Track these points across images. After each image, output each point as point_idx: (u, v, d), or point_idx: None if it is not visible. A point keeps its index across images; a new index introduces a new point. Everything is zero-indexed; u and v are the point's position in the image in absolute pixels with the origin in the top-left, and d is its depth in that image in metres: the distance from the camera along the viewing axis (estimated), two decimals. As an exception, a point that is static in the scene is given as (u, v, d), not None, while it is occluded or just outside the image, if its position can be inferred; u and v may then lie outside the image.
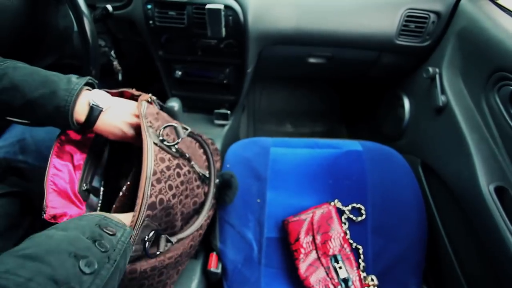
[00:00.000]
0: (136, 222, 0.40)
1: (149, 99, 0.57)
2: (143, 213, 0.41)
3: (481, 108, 0.66)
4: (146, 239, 0.43)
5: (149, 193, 0.42)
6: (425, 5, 0.81)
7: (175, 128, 0.53)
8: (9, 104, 0.41)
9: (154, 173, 0.44)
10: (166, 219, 0.48)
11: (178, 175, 0.50)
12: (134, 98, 0.56)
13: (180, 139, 0.52)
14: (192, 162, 0.58)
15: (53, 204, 0.42)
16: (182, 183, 0.51)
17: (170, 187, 0.47)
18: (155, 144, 0.48)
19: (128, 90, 0.56)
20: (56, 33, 0.68)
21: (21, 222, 0.45)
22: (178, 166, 0.51)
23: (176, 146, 0.53)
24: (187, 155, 0.57)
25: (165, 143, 0.51)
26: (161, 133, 0.51)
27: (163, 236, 0.45)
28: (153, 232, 0.44)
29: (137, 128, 0.50)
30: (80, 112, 0.45)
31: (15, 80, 0.41)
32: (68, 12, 0.69)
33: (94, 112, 0.45)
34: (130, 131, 0.49)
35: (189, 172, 0.55)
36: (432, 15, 0.81)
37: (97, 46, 0.64)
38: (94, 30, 0.62)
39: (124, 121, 0.49)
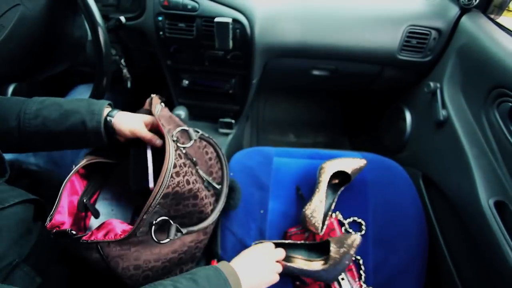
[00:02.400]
0: (148, 209, 0.43)
1: (162, 103, 0.60)
2: (156, 201, 0.44)
3: (481, 123, 0.68)
4: (153, 222, 0.46)
5: (167, 183, 0.45)
6: (427, 22, 0.84)
7: (186, 131, 0.56)
8: (47, 118, 0.49)
9: (174, 166, 0.47)
10: (176, 208, 0.51)
11: (192, 173, 0.53)
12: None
13: (192, 141, 0.55)
14: (197, 167, 0.60)
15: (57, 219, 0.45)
16: (196, 181, 0.53)
17: (188, 182, 0.50)
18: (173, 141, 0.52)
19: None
20: (71, 41, 0.71)
21: (33, 227, 0.46)
22: (189, 165, 0.54)
23: (184, 150, 0.55)
24: (194, 159, 0.59)
25: (177, 144, 0.54)
26: (174, 135, 0.53)
27: (173, 225, 0.47)
28: (161, 218, 0.47)
29: (149, 132, 0.54)
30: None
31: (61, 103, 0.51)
32: (83, 22, 0.73)
33: (111, 113, 0.53)
34: (142, 130, 0.53)
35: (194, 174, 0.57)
36: (433, 32, 0.84)
37: (109, 55, 0.67)
38: (107, 40, 0.65)
39: (136, 121, 0.54)
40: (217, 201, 0.63)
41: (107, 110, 0.53)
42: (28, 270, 0.41)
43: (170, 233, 0.46)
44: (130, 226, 0.46)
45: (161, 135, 0.52)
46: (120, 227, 0.46)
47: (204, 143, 0.68)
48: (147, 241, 0.48)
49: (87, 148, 0.56)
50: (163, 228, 0.47)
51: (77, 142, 0.52)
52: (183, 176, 0.49)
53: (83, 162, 0.52)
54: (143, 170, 0.51)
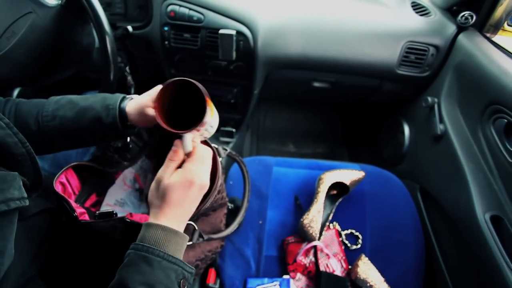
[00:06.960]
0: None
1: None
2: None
3: (478, 138, 0.69)
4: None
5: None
6: (425, 39, 0.86)
7: (216, 149, 0.58)
8: (64, 118, 0.48)
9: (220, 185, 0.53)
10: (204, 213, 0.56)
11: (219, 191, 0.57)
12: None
13: (221, 158, 0.57)
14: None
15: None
16: (222, 198, 0.58)
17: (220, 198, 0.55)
18: None
19: None
20: (79, 49, 0.73)
21: (49, 236, 0.46)
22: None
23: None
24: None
25: None
26: None
27: (197, 230, 0.51)
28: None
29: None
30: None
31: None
32: (91, 30, 0.75)
33: (123, 103, 0.51)
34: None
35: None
36: (431, 48, 0.86)
37: (116, 62, 0.68)
38: (115, 48, 0.67)
39: (142, 100, 0.51)
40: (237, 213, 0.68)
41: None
42: (41, 284, 0.40)
43: (194, 237, 0.50)
44: None
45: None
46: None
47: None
48: None
49: (108, 142, 0.56)
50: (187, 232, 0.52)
51: (97, 138, 0.51)
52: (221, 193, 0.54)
53: (75, 163, 0.52)
54: None
